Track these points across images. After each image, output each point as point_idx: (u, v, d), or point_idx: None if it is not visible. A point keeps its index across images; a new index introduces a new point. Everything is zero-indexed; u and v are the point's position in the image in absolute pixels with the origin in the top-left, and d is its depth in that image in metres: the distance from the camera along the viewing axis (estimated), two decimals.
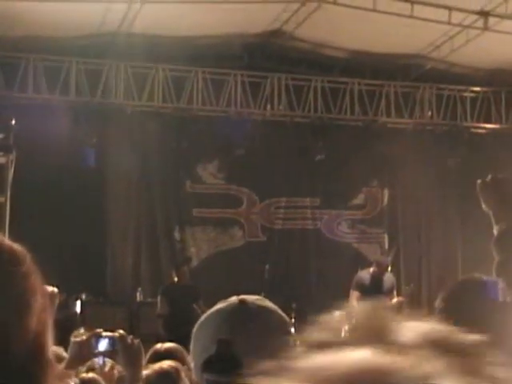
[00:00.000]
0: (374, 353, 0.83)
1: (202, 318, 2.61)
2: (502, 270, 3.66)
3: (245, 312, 2.45)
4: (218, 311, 2.54)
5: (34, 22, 15.53)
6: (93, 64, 16.44)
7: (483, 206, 3.03)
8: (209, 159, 17.03)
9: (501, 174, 3.75)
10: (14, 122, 14.98)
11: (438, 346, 0.83)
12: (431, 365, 0.80)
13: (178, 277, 14.44)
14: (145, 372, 5.22)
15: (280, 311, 2.60)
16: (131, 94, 16.46)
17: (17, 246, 1.79)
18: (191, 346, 2.59)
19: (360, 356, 0.83)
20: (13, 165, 14.89)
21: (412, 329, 0.87)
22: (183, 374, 4.93)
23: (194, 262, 16.77)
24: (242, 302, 2.49)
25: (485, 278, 3.50)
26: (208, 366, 2.39)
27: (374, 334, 0.85)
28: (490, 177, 3.93)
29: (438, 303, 3.61)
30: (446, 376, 0.78)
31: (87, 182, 16.46)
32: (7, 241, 1.82)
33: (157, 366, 5.20)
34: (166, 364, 5.01)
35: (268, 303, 2.58)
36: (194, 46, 16.35)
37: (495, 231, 3.01)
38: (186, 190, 16.81)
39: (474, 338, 0.85)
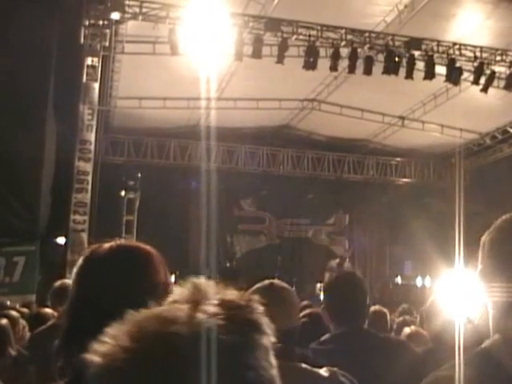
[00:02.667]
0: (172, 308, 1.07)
1: (250, 290, 3.11)
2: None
3: (273, 289, 3.20)
4: (257, 288, 3.21)
5: (149, 117, 19.24)
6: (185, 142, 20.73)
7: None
8: (247, 197, 22.48)
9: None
10: (140, 174, 19.13)
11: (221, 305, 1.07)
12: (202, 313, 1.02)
13: (229, 263, 20.08)
14: None
15: (285, 285, 3.36)
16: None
17: (148, 247, 2.15)
18: None
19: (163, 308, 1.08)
20: (138, 198, 18.90)
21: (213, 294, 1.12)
22: None
23: (238, 255, 21.74)
24: (271, 283, 3.27)
25: None
26: None
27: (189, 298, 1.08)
28: None
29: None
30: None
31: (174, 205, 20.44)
32: (141, 244, 2.15)
33: None
34: None
35: (284, 284, 3.34)
36: (241, 132, 20.82)
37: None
38: (234, 214, 22.30)
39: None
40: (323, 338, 3.94)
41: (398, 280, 20.66)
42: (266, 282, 3.40)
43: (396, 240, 22.36)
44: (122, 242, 2.16)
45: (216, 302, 1.09)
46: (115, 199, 18.59)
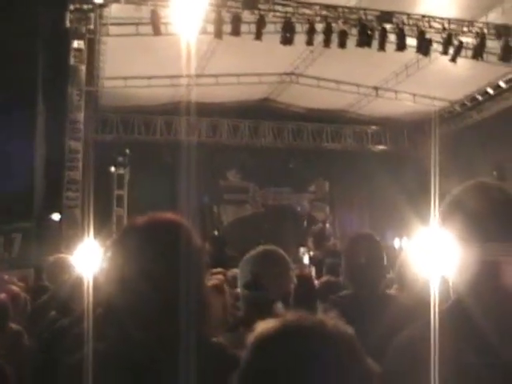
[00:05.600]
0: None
1: (244, 258, 3.33)
2: None
3: (267, 255, 3.26)
4: (251, 255, 3.29)
5: (135, 95, 19.31)
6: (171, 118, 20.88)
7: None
8: (231, 168, 22.57)
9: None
10: (128, 150, 19.43)
11: None
12: None
13: (218, 231, 19.92)
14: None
15: (281, 251, 3.37)
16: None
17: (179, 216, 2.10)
18: (238, 275, 3.35)
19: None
20: (128, 174, 19.31)
21: None
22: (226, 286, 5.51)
23: (225, 224, 22.00)
24: (265, 249, 3.34)
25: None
26: (247, 286, 3.16)
27: None
28: None
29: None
30: None
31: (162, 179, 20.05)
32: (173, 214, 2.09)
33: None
34: (217, 279, 5.64)
35: (276, 248, 3.38)
36: (224, 107, 20.98)
37: None
38: (220, 185, 22.34)
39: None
40: (341, 294, 3.96)
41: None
42: (261, 248, 3.44)
43: (375, 204, 22.63)
44: (155, 215, 2.13)
45: None
46: (106, 175, 18.75)
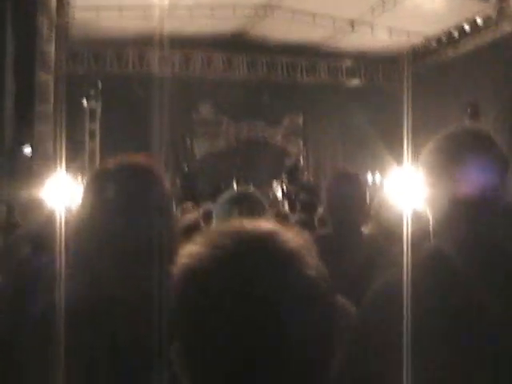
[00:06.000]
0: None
1: (218, 201, 3.29)
2: None
3: (243, 197, 3.18)
4: (226, 199, 3.20)
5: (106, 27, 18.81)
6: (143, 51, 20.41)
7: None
8: (205, 102, 22.37)
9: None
10: (100, 83, 19.24)
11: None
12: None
13: (188, 168, 20.21)
14: None
15: (256, 193, 3.33)
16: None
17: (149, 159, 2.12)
18: (213, 218, 3.26)
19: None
20: (100, 107, 19.10)
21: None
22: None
23: (197, 157, 22.07)
24: (241, 193, 3.27)
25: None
26: None
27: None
28: None
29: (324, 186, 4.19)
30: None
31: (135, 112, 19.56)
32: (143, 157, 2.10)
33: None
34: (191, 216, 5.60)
35: (252, 192, 3.34)
36: (197, 40, 20.33)
37: None
38: (193, 118, 22.29)
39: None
40: (320, 232, 3.99)
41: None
42: (236, 190, 3.52)
43: (348, 139, 22.62)
44: (126, 158, 2.15)
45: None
46: (77, 109, 18.47)
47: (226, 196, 3.26)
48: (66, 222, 2.35)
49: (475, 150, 2.02)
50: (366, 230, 4.52)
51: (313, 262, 1.16)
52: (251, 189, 3.66)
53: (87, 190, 2.12)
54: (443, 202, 2.01)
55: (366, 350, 1.94)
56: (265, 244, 1.15)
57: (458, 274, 1.89)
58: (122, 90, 19.90)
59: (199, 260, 1.14)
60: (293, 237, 1.19)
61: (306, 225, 5.89)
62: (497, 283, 1.91)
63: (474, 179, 1.97)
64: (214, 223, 3.23)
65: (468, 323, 1.86)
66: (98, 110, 19.21)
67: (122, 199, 2.04)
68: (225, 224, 1.23)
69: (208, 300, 1.11)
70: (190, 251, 1.17)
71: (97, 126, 19.03)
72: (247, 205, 3.17)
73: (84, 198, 2.12)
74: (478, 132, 2.11)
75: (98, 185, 2.09)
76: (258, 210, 3.17)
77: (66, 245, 2.20)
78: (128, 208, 2.02)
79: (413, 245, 1.90)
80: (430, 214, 2.06)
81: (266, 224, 1.21)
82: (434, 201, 2.06)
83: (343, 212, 3.81)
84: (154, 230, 2.00)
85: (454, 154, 2.03)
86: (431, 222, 2.04)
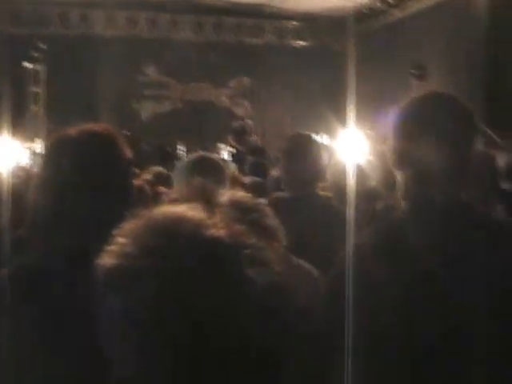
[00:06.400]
0: (187, 208, 1.00)
1: (177, 166, 3.42)
2: None
3: (203, 162, 3.25)
4: (186, 162, 3.29)
5: None
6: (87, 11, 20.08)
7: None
8: (150, 63, 22.02)
9: None
10: (43, 45, 18.35)
11: (236, 208, 1.03)
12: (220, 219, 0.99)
13: (129, 131, 17.45)
14: None
15: (216, 156, 3.58)
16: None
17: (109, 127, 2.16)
18: (174, 181, 3.44)
19: (175, 209, 1.01)
20: (45, 71, 18.45)
21: (226, 194, 1.07)
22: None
23: (144, 119, 22.07)
24: (201, 156, 3.35)
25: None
26: None
27: (198, 196, 1.04)
28: None
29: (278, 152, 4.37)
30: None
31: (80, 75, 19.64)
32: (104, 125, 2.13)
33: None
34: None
35: (212, 155, 3.48)
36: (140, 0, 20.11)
37: None
38: (138, 80, 21.98)
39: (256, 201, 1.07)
40: (277, 195, 3.97)
41: None
42: (196, 155, 3.44)
43: (295, 101, 22.56)
44: (85, 125, 2.14)
45: (228, 203, 1.08)
46: (20, 71, 18.00)
47: (185, 161, 3.34)
48: (12, 186, 2.31)
49: (446, 113, 2.06)
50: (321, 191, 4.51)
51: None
52: (213, 154, 3.46)
53: (46, 158, 2.12)
54: (414, 164, 2.03)
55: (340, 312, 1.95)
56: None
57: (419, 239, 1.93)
58: (66, 52, 19.52)
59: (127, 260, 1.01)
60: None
61: (259, 188, 5.88)
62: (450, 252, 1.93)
63: (445, 143, 2.00)
64: (175, 187, 3.25)
65: (421, 291, 1.90)
66: (42, 73, 18.63)
67: (83, 169, 2.04)
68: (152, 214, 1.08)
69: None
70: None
71: (41, 88, 18.49)
72: (207, 169, 3.18)
73: (43, 167, 2.12)
74: (448, 96, 2.16)
75: (58, 153, 2.08)
76: (217, 174, 3.20)
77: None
78: (90, 178, 2.02)
79: (358, 205, 1.91)
80: (398, 176, 2.10)
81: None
82: (404, 163, 2.09)
83: (299, 174, 3.85)
84: (117, 202, 2.03)
85: (424, 117, 2.05)
86: (400, 184, 2.08)
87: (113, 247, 1.02)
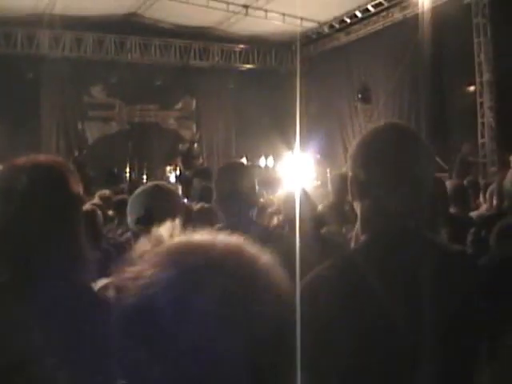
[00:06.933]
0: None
1: (133, 195, 3.35)
2: None
3: (158, 189, 3.26)
4: (142, 190, 3.29)
5: None
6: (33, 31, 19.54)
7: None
8: (96, 84, 21.84)
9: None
10: None
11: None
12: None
13: (79, 152, 19.34)
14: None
15: (169, 185, 3.63)
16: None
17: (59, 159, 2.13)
18: (128, 210, 3.28)
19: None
20: None
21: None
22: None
23: (90, 141, 21.69)
24: (156, 184, 3.35)
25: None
26: (139, 221, 3.13)
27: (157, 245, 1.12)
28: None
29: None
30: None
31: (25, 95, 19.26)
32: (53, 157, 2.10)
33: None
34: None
35: (167, 184, 3.52)
36: (89, 21, 19.80)
37: None
38: (84, 101, 21.74)
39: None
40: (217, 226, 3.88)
41: (244, 161, 21.10)
42: (151, 184, 3.42)
43: (242, 123, 22.70)
44: (35, 158, 2.09)
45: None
46: None
47: (140, 189, 3.34)
48: None
49: (402, 145, 2.06)
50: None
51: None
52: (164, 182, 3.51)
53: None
54: (372, 194, 2.04)
55: None
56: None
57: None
58: (10, 72, 19.24)
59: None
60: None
61: (207, 214, 5.92)
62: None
63: (402, 174, 2.01)
64: (128, 217, 3.27)
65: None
66: None
67: (29, 200, 2.00)
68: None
69: None
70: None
71: None
72: (161, 198, 3.24)
73: None
74: (404, 128, 2.16)
75: (7, 181, 2.05)
76: (171, 202, 3.25)
77: None
78: (38, 210, 1.99)
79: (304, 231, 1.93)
80: (356, 207, 2.09)
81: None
82: (361, 193, 2.07)
83: (232, 202, 3.83)
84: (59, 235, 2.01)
85: (382, 148, 2.05)
86: (358, 215, 2.08)
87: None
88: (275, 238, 3.75)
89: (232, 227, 3.63)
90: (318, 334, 1.84)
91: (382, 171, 2.01)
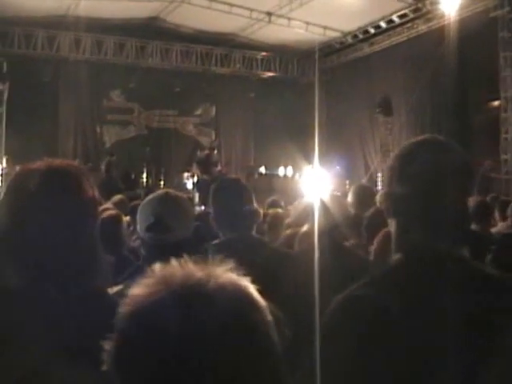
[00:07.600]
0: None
1: (143, 202, 3.26)
2: None
3: (168, 196, 3.17)
4: (152, 198, 3.21)
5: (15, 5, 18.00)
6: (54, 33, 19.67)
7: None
8: (116, 88, 21.82)
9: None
10: (6, 64, 18.14)
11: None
12: None
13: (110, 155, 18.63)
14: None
15: (180, 193, 3.41)
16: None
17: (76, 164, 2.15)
18: (138, 219, 3.20)
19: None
20: (6, 90, 18.00)
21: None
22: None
23: (107, 145, 21.74)
24: (166, 193, 3.23)
25: None
26: (150, 229, 3.06)
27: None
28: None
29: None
30: None
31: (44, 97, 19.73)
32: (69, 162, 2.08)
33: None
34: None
35: (178, 193, 3.34)
36: (110, 24, 19.93)
37: None
38: (104, 104, 21.81)
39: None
40: (214, 242, 3.79)
41: (262, 170, 21.11)
42: (161, 191, 3.34)
43: (261, 131, 22.61)
44: (51, 162, 2.05)
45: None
46: None
47: (150, 197, 3.25)
48: None
49: (444, 161, 1.97)
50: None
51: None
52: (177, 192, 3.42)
53: (10, 191, 2.04)
54: (410, 211, 1.96)
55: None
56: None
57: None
58: (30, 73, 19.25)
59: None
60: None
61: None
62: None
63: (441, 186, 1.94)
64: (138, 224, 3.21)
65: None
66: (5, 92, 18.21)
67: (42, 204, 1.95)
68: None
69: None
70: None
71: (3, 108, 18.10)
72: (171, 206, 3.16)
73: (6, 200, 2.03)
74: (445, 142, 2.06)
75: (23, 184, 2.01)
76: (182, 211, 3.19)
77: None
78: (52, 215, 1.94)
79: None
80: (390, 223, 2.02)
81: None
82: (397, 209, 2.00)
83: (229, 218, 3.73)
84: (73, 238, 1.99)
85: (423, 163, 1.95)
86: (393, 232, 2.00)
87: None
88: (279, 259, 3.73)
89: (232, 243, 3.59)
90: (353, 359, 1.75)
91: (422, 187, 1.93)
